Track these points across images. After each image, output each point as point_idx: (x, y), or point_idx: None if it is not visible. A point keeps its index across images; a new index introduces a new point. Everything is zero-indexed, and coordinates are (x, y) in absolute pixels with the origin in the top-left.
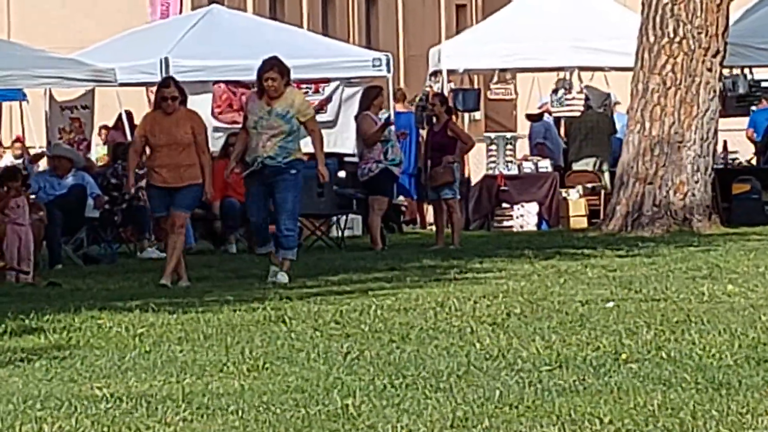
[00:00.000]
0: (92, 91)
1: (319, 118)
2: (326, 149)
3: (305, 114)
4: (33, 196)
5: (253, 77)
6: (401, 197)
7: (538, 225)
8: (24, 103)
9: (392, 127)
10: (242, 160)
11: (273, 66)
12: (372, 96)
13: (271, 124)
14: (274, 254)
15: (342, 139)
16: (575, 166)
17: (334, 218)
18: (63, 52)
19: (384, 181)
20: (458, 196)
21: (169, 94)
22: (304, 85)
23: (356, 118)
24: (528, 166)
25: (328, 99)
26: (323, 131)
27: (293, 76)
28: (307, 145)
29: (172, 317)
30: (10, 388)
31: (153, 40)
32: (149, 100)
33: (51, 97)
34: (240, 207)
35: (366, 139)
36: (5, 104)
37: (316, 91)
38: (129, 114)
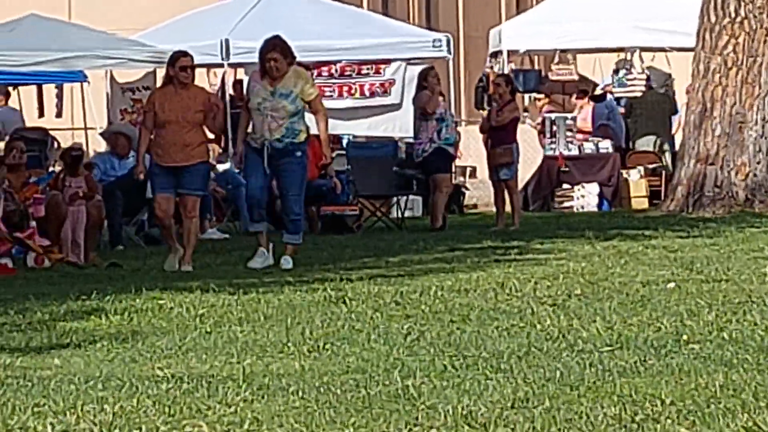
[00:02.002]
0: (153, 72)
1: (384, 101)
2: (391, 134)
3: (309, 94)
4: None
5: (313, 58)
6: (461, 178)
7: (599, 206)
8: (85, 85)
9: (447, 108)
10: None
11: (275, 46)
12: (422, 78)
13: (275, 106)
14: (263, 235)
15: (407, 124)
16: (637, 146)
17: (395, 199)
18: (123, 34)
19: (437, 161)
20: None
21: (187, 63)
22: (364, 67)
23: (413, 101)
24: (589, 147)
25: (392, 81)
26: (389, 115)
27: (353, 57)
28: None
29: (233, 298)
30: (72, 368)
31: (213, 21)
32: (209, 82)
33: (112, 78)
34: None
35: (421, 107)
36: (66, 86)
37: (377, 72)
38: None
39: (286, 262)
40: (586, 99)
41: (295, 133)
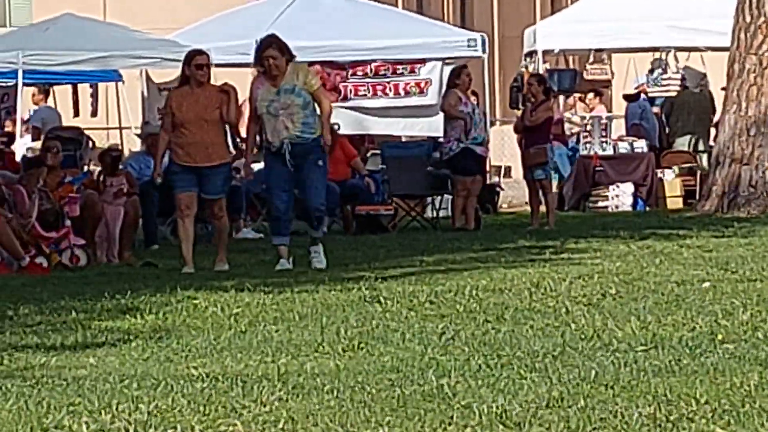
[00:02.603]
0: None
1: (421, 101)
2: (427, 133)
3: (311, 85)
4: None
5: (347, 57)
6: (496, 178)
7: (633, 205)
8: (120, 84)
9: (476, 107)
10: (260, 147)
11: (272, 44)
12: (454, 76)
13: (285, 103)
14: (284, 248)
15: (441, 123)
16: (675, 145)
17: (429, 199)
18: (158, 33)
19: (464, 160)
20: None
21: (203, 61)
22: (399, 66)
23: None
24: (623, 147)
25: (428, 81)
26: (425, 120)
27: (387, 56)
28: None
29: (268, 297)
30: (107, 367)
31: (248, 20)
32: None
33: (148, 78)
34: (337, 189)
35: (445, 112)
36: (101, 85)
37: (412, 72)
38: None
39: (319, 262)
40: (598, 99)
41: (311, 127)
